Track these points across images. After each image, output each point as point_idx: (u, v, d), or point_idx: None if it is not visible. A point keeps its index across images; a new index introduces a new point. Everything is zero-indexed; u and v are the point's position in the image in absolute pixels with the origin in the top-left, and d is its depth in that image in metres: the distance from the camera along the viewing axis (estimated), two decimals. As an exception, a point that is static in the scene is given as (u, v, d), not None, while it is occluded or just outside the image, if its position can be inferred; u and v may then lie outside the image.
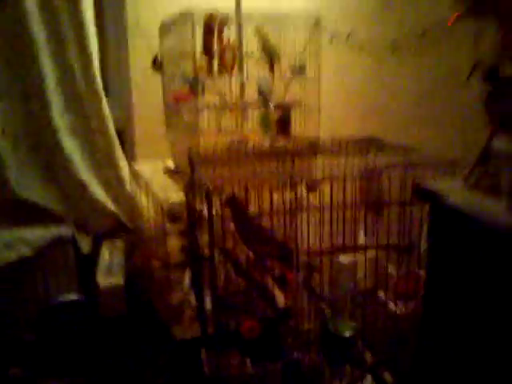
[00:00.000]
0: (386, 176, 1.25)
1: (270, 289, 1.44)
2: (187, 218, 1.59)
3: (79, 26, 2.10)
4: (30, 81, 2.12)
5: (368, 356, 1.27)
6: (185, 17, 1.58)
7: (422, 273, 1.18)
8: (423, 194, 1.03)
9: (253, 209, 1.35)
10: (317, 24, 1.60)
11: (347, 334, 1.16)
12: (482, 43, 0.97)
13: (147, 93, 2.21)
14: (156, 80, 2.02)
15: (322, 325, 1.23)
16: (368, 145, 1.43)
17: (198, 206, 1.52)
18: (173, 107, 1.68)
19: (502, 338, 0.85)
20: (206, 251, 1.43)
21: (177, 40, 1.68)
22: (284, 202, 1.31)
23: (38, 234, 2.18)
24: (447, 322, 0.99)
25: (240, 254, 1.52)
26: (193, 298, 1.75)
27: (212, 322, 1.54)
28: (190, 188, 1.40)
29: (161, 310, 1.79)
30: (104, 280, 2.05)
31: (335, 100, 1.77)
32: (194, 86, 1.61)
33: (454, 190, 0.97)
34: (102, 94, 2.17)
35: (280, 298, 1.35)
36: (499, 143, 0.84)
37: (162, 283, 1.90)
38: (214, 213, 1.37)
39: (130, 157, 2.31)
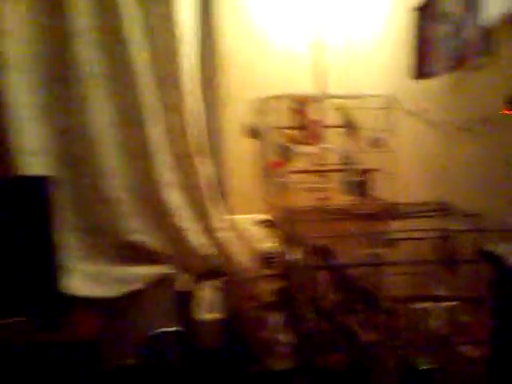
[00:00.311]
0: (455, 237, 1.49)
1: (353, 328, 1.69)
2: (284, 266, 1.88)
3: (183, 96, 2.48)
4: (140, 143, 2.48)
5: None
6: (279, 98, 1.91)
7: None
8: (487, 256, 1.26)
9: (341, 260, 1.62)
10: (392, 102, 1.88)
11: (424, 367, 1.38)
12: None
13: (240, 154, 2.56)
14: (247, 143, 2.35)
15: (403, 361, 1.45)
16: (439, 209, 1.68)
17: (292, 255, 1.82)
18: (270, 171, 1.99)
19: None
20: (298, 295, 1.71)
21: (272, 115, 2.01)
22: (368, 256, 1.58)
23: (146, 272, 2.53)
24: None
25: (326, 298, 1.79)
26: (283, 335, 2.02)
27: (302, 357, 1.81)
28: (288, 240, 1.69)
29: (254, 345, 2.07)
30: (204, 315, 2.37)
31: (409, 167, 2.02)
32: (287, 154, 1.93)
33: (512, 253, 1.19)
34: (199, 155, 2.52)
35: (365, 337, 1.59)
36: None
37: (255, 321, 2.18)
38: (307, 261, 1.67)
39: (225, 209, 2.64)
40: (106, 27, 2.41)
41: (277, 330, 2.08)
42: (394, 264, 1.51)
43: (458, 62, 1.68)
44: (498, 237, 1.40)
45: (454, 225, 1.51)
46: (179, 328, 2.53)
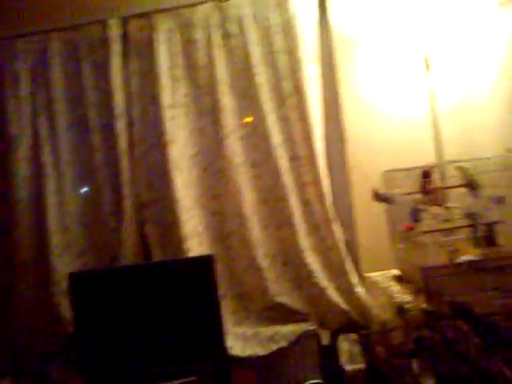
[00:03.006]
0: None
1: (495, 369, 1.87)
2: (419, 317, 2.11)
3: (317, 173, 2.89)
4: (282, 216, 2.91)
5: None
6: (404, 172, 2.24)
7: None
8: None
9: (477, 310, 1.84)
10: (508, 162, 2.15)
11: None
12: None
13: (368, 216, 2.89)
14: (375, 207, 2.68)
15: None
16: None
17: (427, 307, 2.07)
18: (403, 233, 2.29)
19: None
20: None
21: (399, 185, 2.33)
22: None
23: (290, 330, 2.84)
24: None
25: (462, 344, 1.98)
26: (426, 379, 2.22)
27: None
28: (426, 295, 1.95)
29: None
30: (348, 365, 2.62)
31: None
32: (417, 217, 2.23)
33: None
34: (334, 220, 2.88)
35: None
36: None
37: (399, 368, 2.40)
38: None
39: (356, 266, 2.95)
40: (251, 123, 2.94)
41: (420, 375, 2.28)
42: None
43: None
44: None
45: None
46: (322, 381, 2.80)
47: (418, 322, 2.28)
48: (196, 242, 2.88)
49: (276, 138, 2.89)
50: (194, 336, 2.65)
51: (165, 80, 2.86)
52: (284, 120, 2.90)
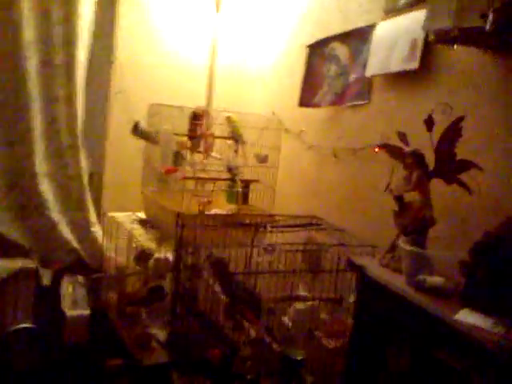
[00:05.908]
0: (323, 249, 1.76)
1: (222, 328, 1.86)
2: (175, 266, 1.95)
3: (71, 90, 2.45)
4: (16, 129, 2.40)
5: (309, 378, 1.73)
6: (178, 108, 2.03)
7: (347, 318, 1.66)
8: (353, 266, 1.53)
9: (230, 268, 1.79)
10: (275, 122, 2.15)
11: (298, 357, 1.60)
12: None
13: (122, 151, 2.60)
14: (131, 141, 2.40)
15: (281, 353, 1.66)
16: (310, 222, 1.94)
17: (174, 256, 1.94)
18: (159, 175, 2.09)
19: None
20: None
21: (166, 122, 2.11)
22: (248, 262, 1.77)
23: (3, 266, 2.42)
24: (366, 353, 1.47)
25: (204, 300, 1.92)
26: (156, 330, 2.11)
27: (176, 351, 1.92)
28: (179, 243, 1.80)
29: (125, 340, 2.12)
30: (70, 310, 2.34)
31: (288, 182, 2.28)
32: (178, 160, 2.05)
33: (373, 266, 1.47)
34: (82, 147, 2.51)
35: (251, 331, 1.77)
36: (401, 242, 1.36)
37: (125, 316, 2.24)
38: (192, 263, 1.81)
39: (98, 203, 2.65)
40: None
41: (150, 325, 2.16)
42: (269, 272, 1.72)
43: (339, 100, 1.98)
44: (360, 252, 1.69)
45: (320, 236, 1.80)
46: (35, 325, 2.46)
47: (159, 271, 2.14)
48: None
49: (29, 32, 2.32)
50: None
51: None
52: (44, 13, 2.34)
